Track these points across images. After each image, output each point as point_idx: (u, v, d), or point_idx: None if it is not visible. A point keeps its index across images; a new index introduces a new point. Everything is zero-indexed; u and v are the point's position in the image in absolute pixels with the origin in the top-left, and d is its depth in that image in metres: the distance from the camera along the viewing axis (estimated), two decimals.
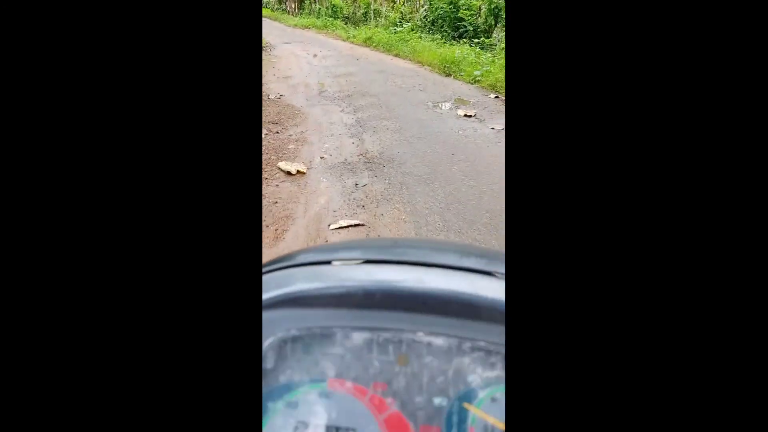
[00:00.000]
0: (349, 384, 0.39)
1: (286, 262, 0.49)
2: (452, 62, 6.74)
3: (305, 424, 0.38)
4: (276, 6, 24.37)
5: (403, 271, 0.46)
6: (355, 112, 4.76)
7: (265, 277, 0.46)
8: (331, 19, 15.15)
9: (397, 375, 0.39)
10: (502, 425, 0.37)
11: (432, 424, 0.37)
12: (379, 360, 0.40)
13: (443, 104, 5.16)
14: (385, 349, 0.40)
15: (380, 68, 7.29)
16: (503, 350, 0.39)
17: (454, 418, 0.37)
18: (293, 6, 20.09)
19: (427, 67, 7.11)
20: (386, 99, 5.28)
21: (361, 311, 0.43)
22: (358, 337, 0.41)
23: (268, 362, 0.40)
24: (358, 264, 0.48)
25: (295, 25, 16.07)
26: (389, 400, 0.38)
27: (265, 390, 0.39)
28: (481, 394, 0.38)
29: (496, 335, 0.40)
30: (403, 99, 5.27)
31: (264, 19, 22.17)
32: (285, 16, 20.40)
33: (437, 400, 0.38)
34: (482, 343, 0.40)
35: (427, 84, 5.99)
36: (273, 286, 0.44)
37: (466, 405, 0.38)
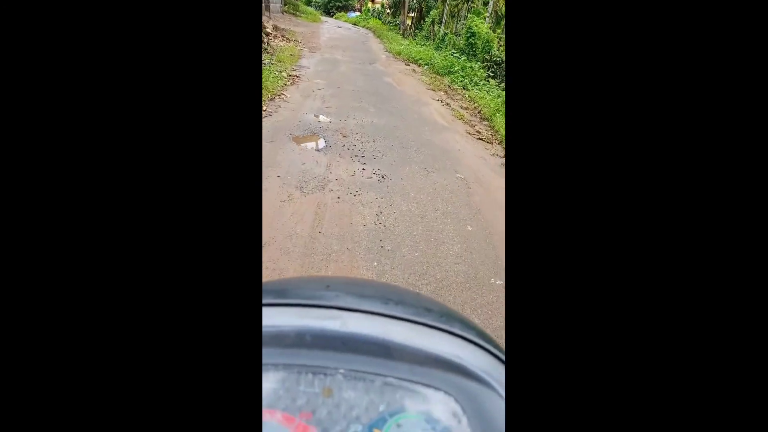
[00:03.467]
0: (278, 414, 0.44)
1: None
2: None
3: None
4: (389, 18, 20.64)
5: (330, 315, 0.55)
6: None
7: None
8: (463, 58, 8.90)
9: (320, 406, 0.45)
10: None
11: None
12: (305, 392, 0.46)
13: None
14: (312, 383, 0.47)
15: None
16: (406, 384, 0.47)
17: None
18: (408, 23, 16.99)
19: None
20: None
21: (292, 350, 0.50)
22: (289, 372, 0.47)
23: None
24: (292, 306, 0.55)
25: (398, 54, 11.44)
26: (312, 428, 0.43)
27: None
28: (389, 421, 0.45)
29: (401, 371, 0.48)
30: None
31: (365, 32, 17.05)
32: (393, 34, 15.63)
33: (353, 428, 0.44)
34: (390, 379, 0.48)
35: None
36: None
37: (375, 430, 0.44)
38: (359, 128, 4.43)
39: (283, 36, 10.77)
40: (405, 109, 5.57)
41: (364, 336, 0.52)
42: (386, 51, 12.47)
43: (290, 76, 6.41)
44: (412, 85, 7.52)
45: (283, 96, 5.17)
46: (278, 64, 7.14)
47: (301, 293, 0.62)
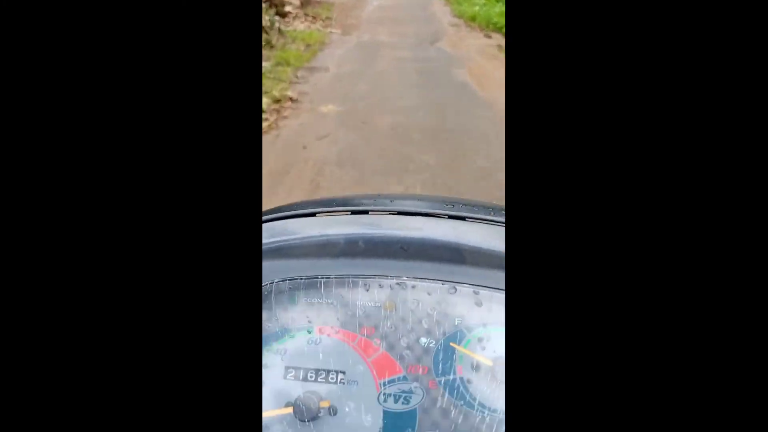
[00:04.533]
0: (336, 329, 0.40)
1: (270, 215, 0.50)
2: None
3: (295, 369, 0.39)
4: None
5: (386, 219, 0.47)
6: None
7: None
8: None
9: (384, 319, 0.40)
10: (488, 362, 0.38)
11: (420, 364, 0.38)
12: (364, 306, 0.40)
13: None
14: (371, 295, 0.40)
15: None
16: (487, 292, 0.40)
17: (442, 357, 0.38)
18: None
19: None
20: None
21: (344, 260, 0.43)
22: (343, 285, 0.41)
23: None
24: (341, 215, 0.49)
25: (472, 20, 7.93)
26: (376, 341, 0.39)
27: None
28: (468, 335, 0.39)
29: (479, 278, 0.40)
30: None
31: None
32: None
33: (424, 341, 0.39)
34: (466, 287, 0.40)
35: None
36: None
37: (452, 344, 0.38)
38: None
39: (307, 15, 7.70)
40: (438, 31, 2.34)
41: (430, 239, 0.44)
42: (454, 17, 8.96)
43: (276, 103, 3.38)
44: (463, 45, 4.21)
45: None
46: (272, 72, 4.16)
47: (350, 202, 0.53)
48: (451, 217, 0.47)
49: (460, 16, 8.76)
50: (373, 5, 10.69)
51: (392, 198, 0.55)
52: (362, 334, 0.39)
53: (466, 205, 0.51)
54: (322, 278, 0.41)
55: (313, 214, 0.49)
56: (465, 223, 0.47)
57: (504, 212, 0.49)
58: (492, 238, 0.45)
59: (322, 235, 0.45)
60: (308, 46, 5.53)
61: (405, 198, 0.59)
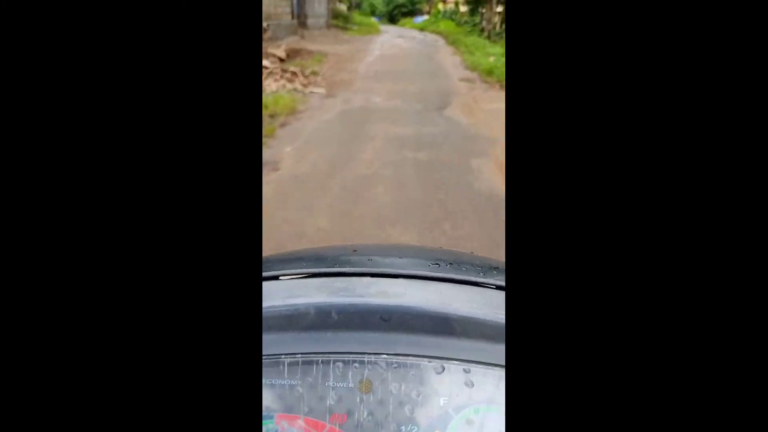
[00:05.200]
0: (300, 421, 0.35)
1: None
2: None
3: None
4: (465, 18, 14.49)
5: (363, 282, 0.41)
6: None
7: None
8: None
9: (359, 403, 0.35)
10: None
11: None
12: (336, 388, 0.35)
13: None
14: (344, 376, 0.36)
15: None
16: (479, 368, 0.36)
17: None
18: (494, 20, 11.73)
19: None
20: None
21: (313, 333, 0.37)
22: (311, 363, 0.36)
23: None
24: (308, 277, 0.43)
25: (488, 74, 6.51)
26: None
27: None
28: (455, 418, 0.35)
29: (470, 352, 0.36)
30: None
31: (434, 39, 12.01)
32: (474, 38, 10.63)
33: (406, 430, 0.34)
34: (454, 362, 0.36)
35: None
36: None
37: None
38: None
39: (285, 70, 6.23)
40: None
41: (414, 307, 0.38)
42: (466, 69, 7.50)
43: None
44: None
45: None
46: None
47: (321, 261, 0.47)
48: (437, 279, 0.42)
49: (473, 68, 7.25)
50: (374, 55, 9.31)
51: (370, 256, 0.50)
52: (332, 422, 0.34)
53: (452, 264, 0.46)
54: (286, 357, 0.35)
55: (276, 278, 0.42)
56: (454, 285, 0.41)
57: (495, 271, 0.45)
58: (484, 305, 0.40)
59: (286, 305, 0.38)
60: (271, 117, 4.00)
61: (384, 254, 0.51)
